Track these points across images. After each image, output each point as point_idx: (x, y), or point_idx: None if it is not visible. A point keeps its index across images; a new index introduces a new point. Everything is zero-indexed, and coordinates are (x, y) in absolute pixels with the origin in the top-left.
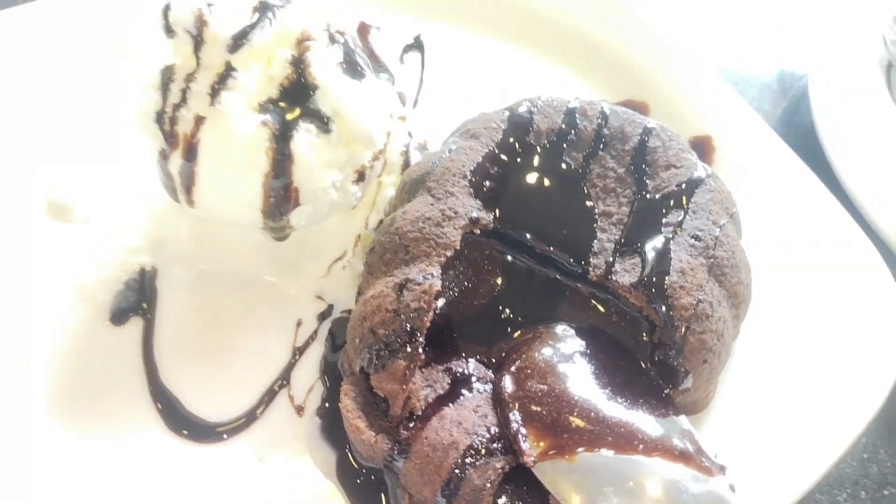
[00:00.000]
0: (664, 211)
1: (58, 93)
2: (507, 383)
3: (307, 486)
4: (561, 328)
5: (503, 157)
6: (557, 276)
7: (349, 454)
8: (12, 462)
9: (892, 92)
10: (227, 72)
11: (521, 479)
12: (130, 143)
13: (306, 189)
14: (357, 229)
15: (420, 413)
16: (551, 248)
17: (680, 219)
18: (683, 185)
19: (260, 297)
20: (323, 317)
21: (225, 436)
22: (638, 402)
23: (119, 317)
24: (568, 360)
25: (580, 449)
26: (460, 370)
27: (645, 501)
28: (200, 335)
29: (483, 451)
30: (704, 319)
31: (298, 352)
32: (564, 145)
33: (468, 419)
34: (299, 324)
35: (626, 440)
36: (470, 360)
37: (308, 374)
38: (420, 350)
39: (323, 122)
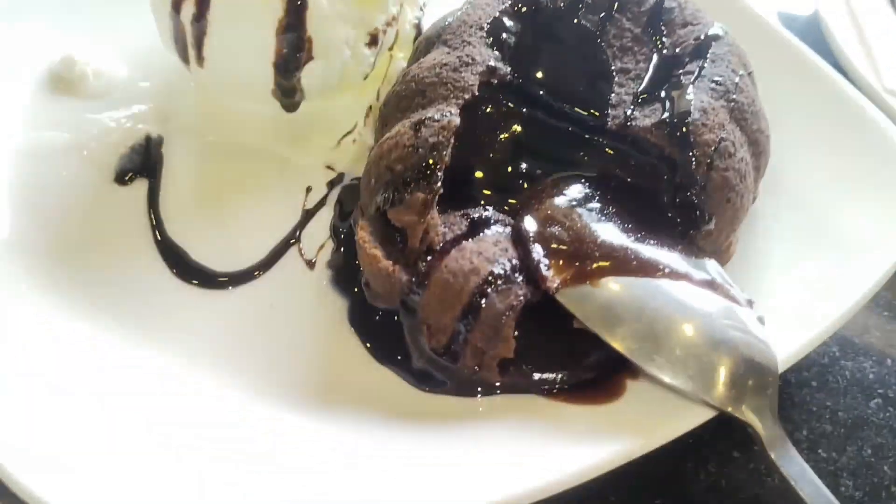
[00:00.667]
0: (683, 62)
1: None
2: (528, 221)
3: (320, 328)
4: (579, 177)
5: (521, 10)
6: (574, 129)
7: (365, 294)
8: (21, 315)
9: None
10: None
11: (541, 313)
12: (136, 15)
13: (319, 40)
14: (368, 101)
15: (439, 248)
16: (569, 102)
17: (700, 65)
18: (702, 37)
19: (268, 166)
20: (333, 184)
21: (235, 284)
22: (662, 240)
23: (123, 177)
24: (588, 203)
25: (604, 275)
26: (477, 215)
27: (672, 318)
28: (207, 196)
29: (504, 277)
30: (727, 157)
31: (308, 214)
32: (580, 6)
33: (489, 250)
34: (308, 190)
35: (651, 266)
36: (487, 207)
37: (318, 233)
38: (439, 184)
39: None
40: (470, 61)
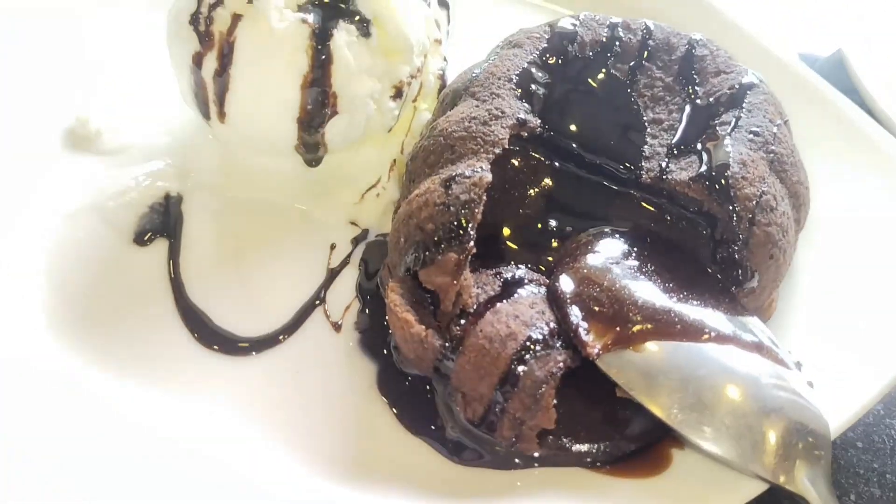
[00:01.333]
0: (718, 112)
1: (82, 22)
2: (564, 281)
3: (347, 395)
4: (613, 233)
5: (549, 61)
6: (607, 183)
7: (394, 358)
8: (43, 378)
9: None
10: None
11: (581, 379)
12: (156, 74)
13: (344, 95)
14: (392, 155)
15: (472, 310)
16: (600, 155)
17: (736, 116)
18: (736, 87)
19: (291, 222)
20: (357, 241)
21: (258, 351)
22: (704, 299)
23: (143, 237)
24: (625, 261)
25: (647, 339)
26: (510, 274)
27: (721, 386)
28: (228, 256)
29: (543, 342)
30: (769, 211)
31: (333, 273)
32: (609, 56)
33: (525, 313)
34: (333, 247)
35: (696, 329)
36: (520, 265)
37: (344, 294)
38: (471, 243)
39: (363, 25)
40: (499, 114)
